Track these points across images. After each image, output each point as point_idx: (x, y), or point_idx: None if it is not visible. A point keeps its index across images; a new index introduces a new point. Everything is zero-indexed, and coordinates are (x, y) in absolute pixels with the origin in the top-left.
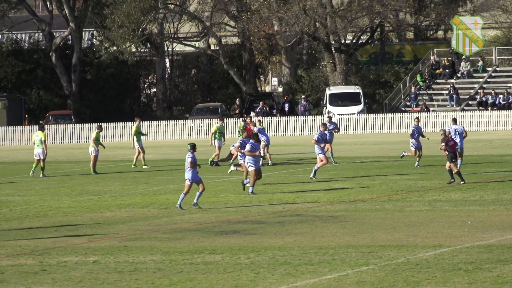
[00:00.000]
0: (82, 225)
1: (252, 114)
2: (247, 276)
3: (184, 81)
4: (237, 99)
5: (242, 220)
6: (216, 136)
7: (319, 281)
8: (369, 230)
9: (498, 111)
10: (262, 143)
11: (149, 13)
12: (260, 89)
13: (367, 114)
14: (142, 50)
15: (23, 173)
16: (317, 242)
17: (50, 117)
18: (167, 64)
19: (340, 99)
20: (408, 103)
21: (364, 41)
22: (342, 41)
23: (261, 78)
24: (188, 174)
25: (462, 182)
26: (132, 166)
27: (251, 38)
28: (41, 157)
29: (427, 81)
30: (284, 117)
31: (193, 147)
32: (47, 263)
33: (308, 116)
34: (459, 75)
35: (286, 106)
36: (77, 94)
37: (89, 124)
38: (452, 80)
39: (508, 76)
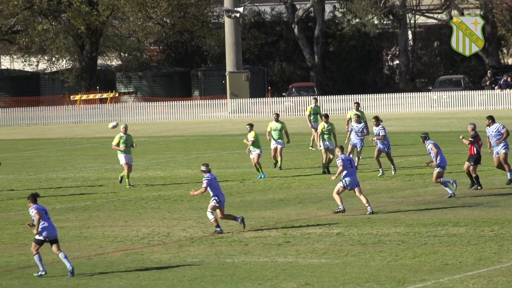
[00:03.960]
0: (326, 197)
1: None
2: (491, 249)
3: (427, 53)
4: (488, 71)
5: (486, 193)
6: (312, 118)
7: None
8: None
9: None
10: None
11: None
12: (503, 61)
13: None
14: (385, 22)
15: (266, 144)
16: None
17: (293, 89)
18: (410, 36)
19: None
20: None
21: None
22: None
23: (504, 51)
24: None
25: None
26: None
27: (494, 10)
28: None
29: None
30: None
31: None
32: (291, 235)
33: None
34: None
35: None
36: (319, 66)
37: (331, 96)
38: None
39: None
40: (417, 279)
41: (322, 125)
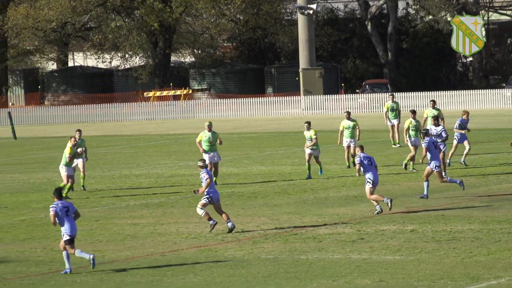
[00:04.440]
0: (400, 194)
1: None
2: None
3: (500, 50)
4: None
5: None
6: (389, 115)
7: None
8: None
9: None
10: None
11: None
12: None
13: None
14: None
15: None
16: None
17: (367, 86)
18: (483, 33)
19: None
20: None
21: None
22: None
23: None
24: None
25: None
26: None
27: None
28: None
29: None
30: None
31: None
32: (365, 231)
33: None
34: None
35: None
36: (393, 63)
37: (405, 93)
38: None
39: None
40: (492, 276)
41: (409, 121)
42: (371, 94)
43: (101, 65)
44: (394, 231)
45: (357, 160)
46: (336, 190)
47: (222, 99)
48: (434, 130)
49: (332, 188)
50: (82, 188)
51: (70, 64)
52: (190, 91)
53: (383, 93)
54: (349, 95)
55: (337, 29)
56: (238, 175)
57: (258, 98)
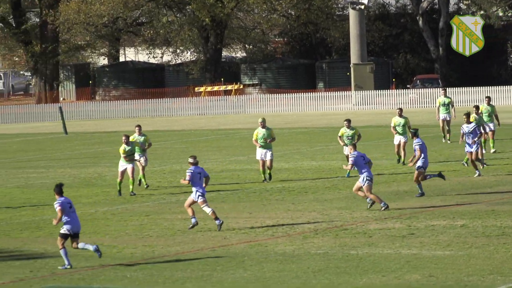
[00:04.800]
0: (450, 189)
1: None
2: None
3: None
4: None
5: None
6: (441, 109)
7: None
8: None
9: None
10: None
11: None
12: None
13: None
14: (509, 14)
15: (389, 137)
16: None
17: (418, 81)
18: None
19: None
20: None
21: None
22: None
23: None
24: None
25: None
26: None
27: None
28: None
29: None
30: None
31: None
32: (415, 226)
33: None
34: None
35: None
36: (444, 58)
37: (455, 88)
38: None
39: None
40: None
41: (473, 117)
42: (422, 89)
43: (152, 60)
44: (444, 226)
45: (351, 160)
46: (386, 185)
47: (273, 94)
48: (466, 127)
49: (383, 183)
50: (138, 183)
51: (121, 59)
52: (241, 86)
53: (434, 89)
54: (400, 90)
55: (388, 24)
56: (289, 170)
57: (309, 93)
